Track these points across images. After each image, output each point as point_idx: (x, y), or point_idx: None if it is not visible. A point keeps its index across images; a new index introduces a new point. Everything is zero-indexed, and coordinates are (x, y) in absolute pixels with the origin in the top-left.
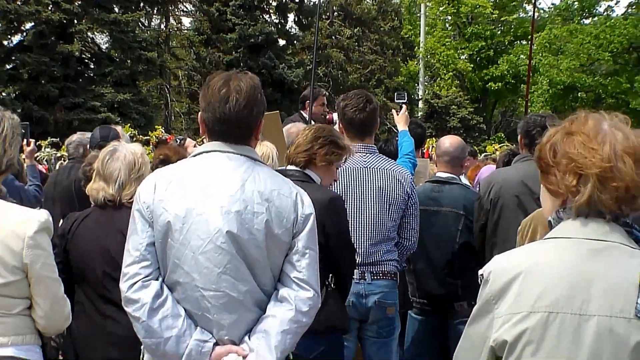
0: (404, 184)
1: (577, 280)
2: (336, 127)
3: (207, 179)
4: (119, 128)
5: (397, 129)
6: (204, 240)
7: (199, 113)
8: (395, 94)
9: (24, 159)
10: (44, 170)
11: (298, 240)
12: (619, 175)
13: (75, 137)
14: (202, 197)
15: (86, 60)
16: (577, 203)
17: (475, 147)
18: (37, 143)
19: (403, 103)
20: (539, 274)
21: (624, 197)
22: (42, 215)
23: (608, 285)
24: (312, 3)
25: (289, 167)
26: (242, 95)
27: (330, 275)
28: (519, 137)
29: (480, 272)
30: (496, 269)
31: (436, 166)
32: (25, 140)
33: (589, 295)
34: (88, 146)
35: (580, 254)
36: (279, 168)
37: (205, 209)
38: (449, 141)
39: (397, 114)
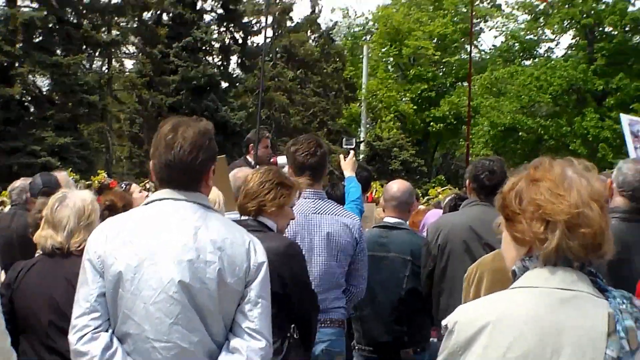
0: (353, 230)
1: (547, 331)
2: (285, 170)
3: (159, 228)
4: (63, 173)
5: (341, 174)
6: (156, 290)
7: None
8: (344, 139)
9: None
10: None
11: (250, 290)
12: (587, 222)
13: (18, 182)
14: (154, 246)
15: (27, 104)
16: (546, 251)
17: (417, 190)
18: None
19: (351, 149)
20: (507, 324)
21: (592, 245)
22: None
23: (577, 336)
24: (255, 45)
25: (243, 217)
26: (187, 141)
27: (293, 326)
28: (466, 181)
29: (444, 322)
30: (462, 319)
31: (383, 211)
32: None
33: (559, 346)
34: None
35: (548, 304)
36: (234, 217)
37: (157, 259)
38: (396, 186)
39: (345, 159)
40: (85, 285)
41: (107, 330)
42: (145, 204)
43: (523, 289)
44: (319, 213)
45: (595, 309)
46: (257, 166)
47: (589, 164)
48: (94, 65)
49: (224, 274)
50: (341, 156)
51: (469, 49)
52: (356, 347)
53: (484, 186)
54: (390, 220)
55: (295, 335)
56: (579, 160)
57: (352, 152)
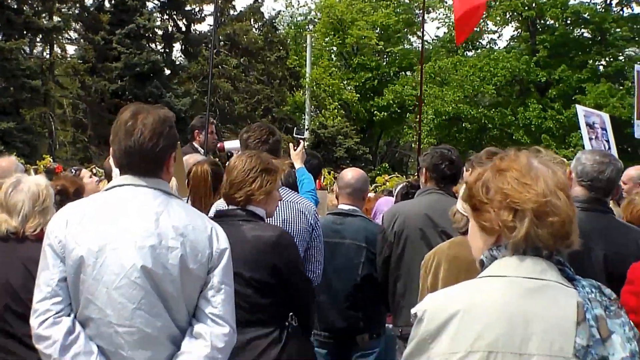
0: (308, 216)
1: (516, 320)
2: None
3: (120, 213)
4: (12, 157)
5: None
6: (118, 275)
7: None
8: (294, 128)
9: None
10: None
11: (213, 276)
12: (555, 210)
13: None
14: (116, 232)
15: None
16: (515, 239)
17: None
18: None
19: (301, 139)
20: (477, 313)
21: (560, 233)
22: None
23: (546, 324)
24: (197, 33)
25: (230, 206)
26: (147, 127)
27: (291, 314)
28: (422, 169)
29: (413, 310)
30: (431, 308)
31: (337, 198)
32: None
33: (528, 335)
34: None
35: (517, 293)
36: (221, 209)
37: (119, 244)
38: (351, 173)
39: (294, 150)
40: (47, 269)
41: (69, 315)
42: (106, 190)
43: (492, 278)
44: None
45: (565, 298)
46: (205, 152)
47: (556, 156)
48: (35, 51)
49: (187, 260)
50: (291, 146)
51: (412, 40)
52: (312, 333)
53: (445, 176)
54: (345, 207)
55: (294, 323)
56: (545, 151)
57: (301, 142)
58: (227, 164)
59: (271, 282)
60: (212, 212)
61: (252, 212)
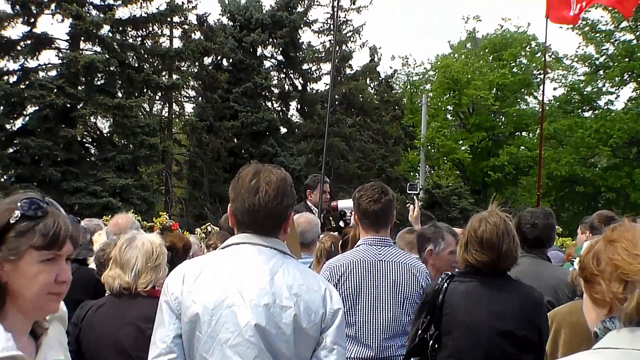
0: (419, 277)
1: None
2: (349, 216)
3: (236, 272)
4: (129, 215)
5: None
6: (233, 333)
7: (229, 204)
8: (407, 184)
9: None
10: None
11: (326, 336)
12: None
13: (83, 223)
14: (231, 290)
15: (88, 145)
16: (626, 310)
17: None
18: None
19: (414, 194)
20: None
21: None
22: None
23: None
24: (314, 91)
25: None
26: (271, 186)
27: None
28: None
29: None
30: None
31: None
32: None
33: None
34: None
35: None
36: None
37: (234, 302)
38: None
39: (412, 212)
40: (162, 326)
41: None
42: (222, 248)
43: (606, 350)
44: (384, 260)
45: None
46: (319, 212)
47: None
48: (154, 109)
49: (300, 319)
50: (410, 208)
51: (528, 100)
52: None
53: (526, 238)
54: None
55: None
56: None
57: (416, 204)
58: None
59: (532, 340)
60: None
61: None
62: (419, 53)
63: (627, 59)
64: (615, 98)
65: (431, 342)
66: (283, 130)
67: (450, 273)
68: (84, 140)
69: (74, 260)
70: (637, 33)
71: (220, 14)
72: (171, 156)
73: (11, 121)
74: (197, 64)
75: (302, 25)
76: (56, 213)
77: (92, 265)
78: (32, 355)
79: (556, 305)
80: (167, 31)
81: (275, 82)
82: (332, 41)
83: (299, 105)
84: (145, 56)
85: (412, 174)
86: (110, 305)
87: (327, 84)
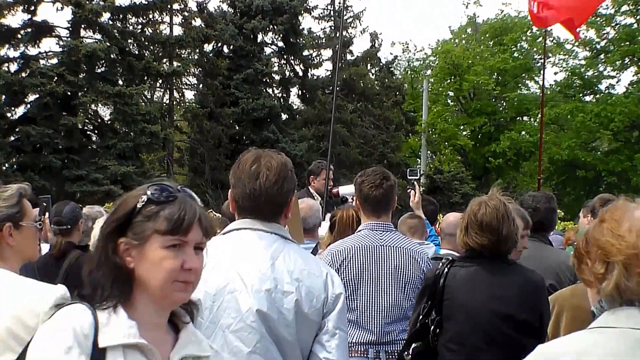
0: (421, 263)
1: None
2: (352, 203)
3: (237, 257)
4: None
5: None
6: (235, 318)
7: (229, 190)
8: (408, 170)
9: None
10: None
11: (328, 320)
12: None
13: (85, 210)
14: (233, 275)
15: (89, 133)
16: (605, 291)
17: None
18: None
19: (415, 180)
20: None
21: None
22: (59, 290)
23: None
24: (315, 77)
25: None
26: (272, 171)
27: None
28: None
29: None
30: (541, 358)
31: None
32: (46, 214)
33: None
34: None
35: (627, 344)
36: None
37: (235, 288)
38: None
39: (414, 197)
40: None
41: None
42: (224, 234)
43: (601, 329)
44: (385, 245)
45: None
46: (324, 197)
47: None
48: (155, 96)
49: (302, 304)
50: (411, 193)
51: (529, 85)
52: None
53: (529, 223)
54: (442, 252)
55: None
56: None
57: (417, 190)
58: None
59: (533, 324)
60: None
61: None
62: (420, 39)
63: (627, 43)
64: (617, 82)
65: (432, 327)
66: (284, 116)
67: (450, 258)
68: (85, 128)
69: (76, 247)
70: (638, 17)
71: (220, 1)
72: (172, 143)
73: (12, 109)
74: (197, 51)
75: (302, 12)
76: (185, 200)
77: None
78: (169, 349)
79: (558, 288)
80: (167, 18)
81: (275, 68)
82: (332, 27)
83: (299, 92)
84: (146, 43)
85: (413, 159)
86: None
87: (328, 70)
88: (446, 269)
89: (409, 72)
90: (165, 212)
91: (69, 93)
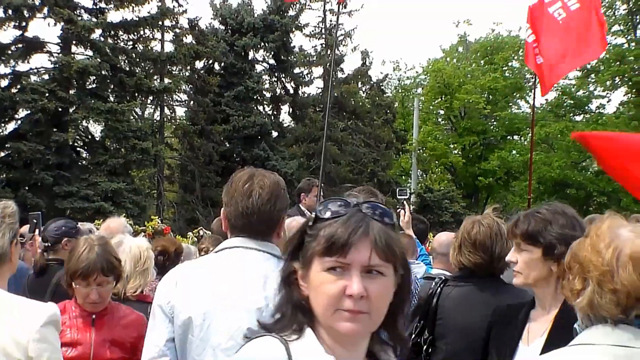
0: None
1: None
2: None
3: (229, 276)
4: (121, 219)
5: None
6: (225, 337)
7: (222, 209)
8: (398, 189)
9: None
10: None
11: None
12: (619, 280)
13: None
14: (224, 294)
15: (79, 149)
16: (579, 306)
17: None
18: None
19: (405, 199)
20: None
21: (627, 303)
22: (49, 308)
23: None
24: (305, 95)
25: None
26: (265, 190)
27: None
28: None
29: None
30: None
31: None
32: (37, 231)
33: None
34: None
35: None
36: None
37: (226, 306)
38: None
39: (404, 217)
40: (155, 330)
41: None
42: (216, 252)
43: (582, 346)
44: None
45: None
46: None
47: None
48: (146, 112)
49: None
50: (401, 213)
51: (520, 104)
52: None
53: None
54: (434, 272)
55: None
56: None
57: (407, 209)
58: None
59: None
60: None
61: None
62: (411, 57)
63: (618, 63)
64: (607, 102)
65: (425, 346)
66: (275, 134)
67: (443, 277)
68: (76, 144)
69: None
70: (628, 37)
71: (211, 18)
72: (163, 160)
73: (3, 125)
74: (188, 67)
75: (293, 29)
76: (355, 216)
77: None
78: None
79: None
80: (158, 35)
81: (266, 85)
82: (323, 44)
83: (290, 109)
84: (137, 60)
85: (403, 177)
86: None
87: (318, 88)
88: (439, 289)
89: (400, 90)
90: (326, 230)
91: (60, 109)
